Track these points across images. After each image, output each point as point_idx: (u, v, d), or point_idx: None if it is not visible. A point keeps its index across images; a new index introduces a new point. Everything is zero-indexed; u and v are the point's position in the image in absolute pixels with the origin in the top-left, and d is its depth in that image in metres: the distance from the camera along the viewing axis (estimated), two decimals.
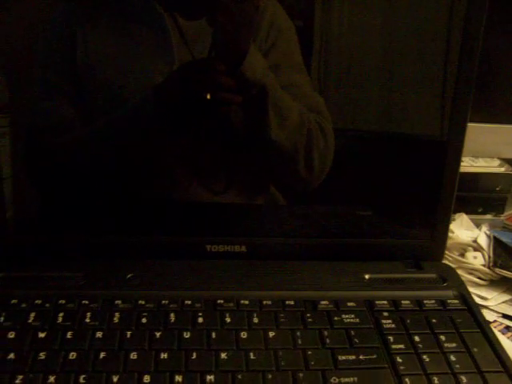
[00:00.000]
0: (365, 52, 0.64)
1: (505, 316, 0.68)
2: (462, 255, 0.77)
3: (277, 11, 0.62)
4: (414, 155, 0.68)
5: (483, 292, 0.72)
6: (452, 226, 0.81)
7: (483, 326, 0.60)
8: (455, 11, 0.62)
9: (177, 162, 0.67)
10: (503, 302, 0.70)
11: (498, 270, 0.73)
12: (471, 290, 0.70)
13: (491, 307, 0.69)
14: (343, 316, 0.59)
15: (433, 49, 0.64)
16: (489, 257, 0.76)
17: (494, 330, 0.64)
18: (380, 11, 0.63)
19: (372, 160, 0.68)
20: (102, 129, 0.65)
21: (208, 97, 0.61)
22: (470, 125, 0.76)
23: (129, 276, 0.62)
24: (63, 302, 0.58)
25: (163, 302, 0.59)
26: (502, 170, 0.86)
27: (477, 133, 0.84)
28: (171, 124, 0.64)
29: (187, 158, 0.67)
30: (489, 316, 0.68)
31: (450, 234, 0.78)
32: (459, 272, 0.72)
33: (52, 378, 0.50)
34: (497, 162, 0.87)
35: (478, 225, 0.83)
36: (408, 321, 0.59)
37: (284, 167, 0.68)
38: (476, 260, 0.76)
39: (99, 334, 0.55)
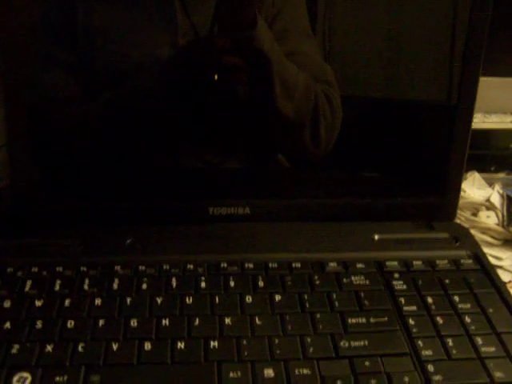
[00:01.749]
0: (370, 15, 0.61)
1: None
2: (475, 215, 0.75)
3: None
4: (426, 113, 0.66)
5: (497, 252, 0.69)
6: (464, 185, 0.78)
7: (498, 286, 0.57)
8: None
9: (179, 131, 0.65)
10: None
11: (511, 229, 0.70)
12: (485, 250, 0.67)
13: (506, 267, 0.67)
14: (352, 278, 0.57)
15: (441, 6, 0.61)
16: (502, 216, 0.73)
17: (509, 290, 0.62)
18: None
19: (382, 121, 0.66)
20: (105, 100, 0.63)
21: (215, 77, 0.60)
22: (482, 79, 0.73)
23: (128, 241, 0.60)
24: (61, 269, 0.56)
25: (164, 267, 0.57)
26: None
27: (489, 87, 0.80)
28: (176, 97, 0.63)
29: (190, 128, 0.65)
30: (504, 276, 0.65)
31: (461, 194, 0.76)
32: (473, 232, 0.70)
33: (49, 347, 0.48)
34: (510, 118, 0.83)
35: (490, 183, 0.81)
36: (420, 282, 0.57)
37: (290, 138, 0.67)
38: (489, 219, 0.73)
39: (98, 301, 0.53)
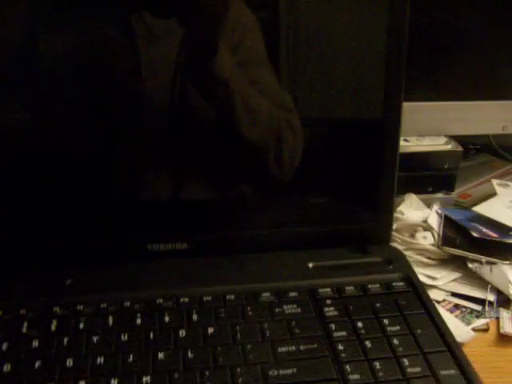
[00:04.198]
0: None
1: (454, 294, 0.68)
2: (413, 236, 0.77)
3: (242, 8, 0.61)
4: (353, 138, 0.68)
5: (433, 272, 0.71)
6: (402, 207, 0.80)
7: (428, 307, 0.60)
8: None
9: (134, 164, 0.66)
10: (452, 281, 0.70)
11: (446, 249, 0.72)
12: (421, 270, 0.70)
13: (440, 286, 0.69)
14: (284, 307, 0.59)
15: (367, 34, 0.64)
16: (438, 236, 0.75)
17: (442, 309, 0.64)
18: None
19: (311, 146, 0.67)
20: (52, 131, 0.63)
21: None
22: (415, 104, 0.76)
23: (68, 282, 0.62)
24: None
25: (102, 305, 0.58)
26: (449, 147, 0.85)
27: (421, 111, 0.83)
28: (134, 126, 0.64)
29: (146, 160, 0.66)
30: (438, 295, 0.68)
31: (399, 216, 0.78)
32: (409, 253, 0.72)
33: None
34: (443, 140, 0.86)
35: (429, 204, 0.83)
36: (351, 307, 0.59)
37: (254, 164, 0.68)
38: (426, 240, 0.75)
39: (35, 343, 0.54)
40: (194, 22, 0.60)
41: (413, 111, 0.68)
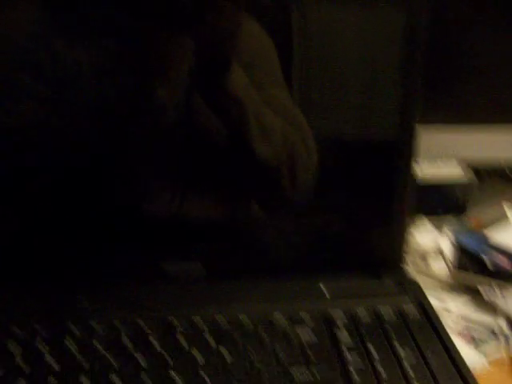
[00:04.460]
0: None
1: (466, 319, 0.68)
2: (425, 260, 0.77)
3: (254, 26, 0.61)
4: (366, 160, 0.68)
5: (444, 296, 0.71)
6: (413, 231, 0.80)
7: (440, 333, 0.59)
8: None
9: (147, 179, 0.66)
10: (464, 306, 0.70)
11: (457, 274, 0.72)
12: (431, 293, 0.70)
13: (452, 311, 0.69)
14: (298, 330, 0.58)
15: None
16: (449, 260, 0.75)
17: (453, 334, 0.64)
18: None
19: (324, 166, 0.67)
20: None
21: None
22: (426, 126, 0.75)
23: (80, 298, 0.61)
24: (15, 329, 0.57)
25: (115, 322, 0.58)
26: (465, 179, 0.85)
27: (432, 133, 0.83)
28: (144, 139, 0.64)
29: (163, 176, 0.66)
30: (450, 320, 0.68)
31: (411, 240, 0.78)
32: (420, 277, 0.72)
33: None
34: (455, 164, 0.86)
35: (439, 227, 0.83)
36: (364, 332, 0.59)
37: (268, 184, 0.68)
38: (437, 264, 0.75)
39: (49, 358, 0.53)
40: (205, 38, 0.60)
41: (424, 133, 0.67)
